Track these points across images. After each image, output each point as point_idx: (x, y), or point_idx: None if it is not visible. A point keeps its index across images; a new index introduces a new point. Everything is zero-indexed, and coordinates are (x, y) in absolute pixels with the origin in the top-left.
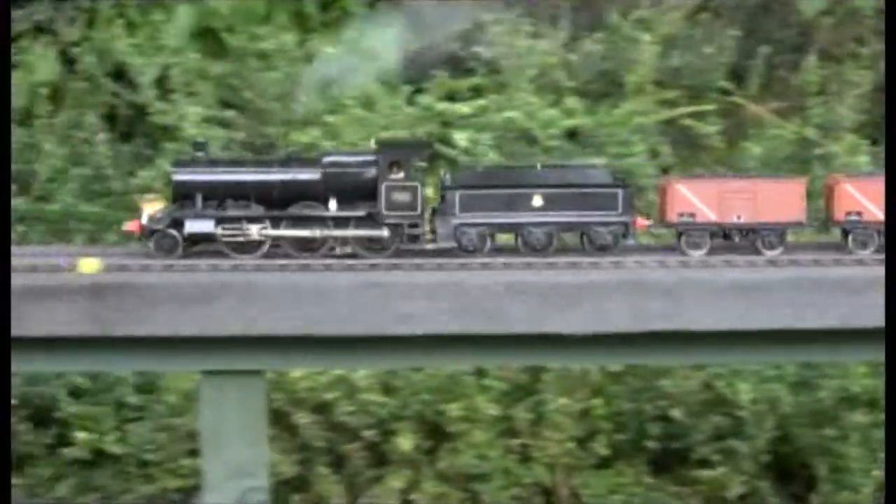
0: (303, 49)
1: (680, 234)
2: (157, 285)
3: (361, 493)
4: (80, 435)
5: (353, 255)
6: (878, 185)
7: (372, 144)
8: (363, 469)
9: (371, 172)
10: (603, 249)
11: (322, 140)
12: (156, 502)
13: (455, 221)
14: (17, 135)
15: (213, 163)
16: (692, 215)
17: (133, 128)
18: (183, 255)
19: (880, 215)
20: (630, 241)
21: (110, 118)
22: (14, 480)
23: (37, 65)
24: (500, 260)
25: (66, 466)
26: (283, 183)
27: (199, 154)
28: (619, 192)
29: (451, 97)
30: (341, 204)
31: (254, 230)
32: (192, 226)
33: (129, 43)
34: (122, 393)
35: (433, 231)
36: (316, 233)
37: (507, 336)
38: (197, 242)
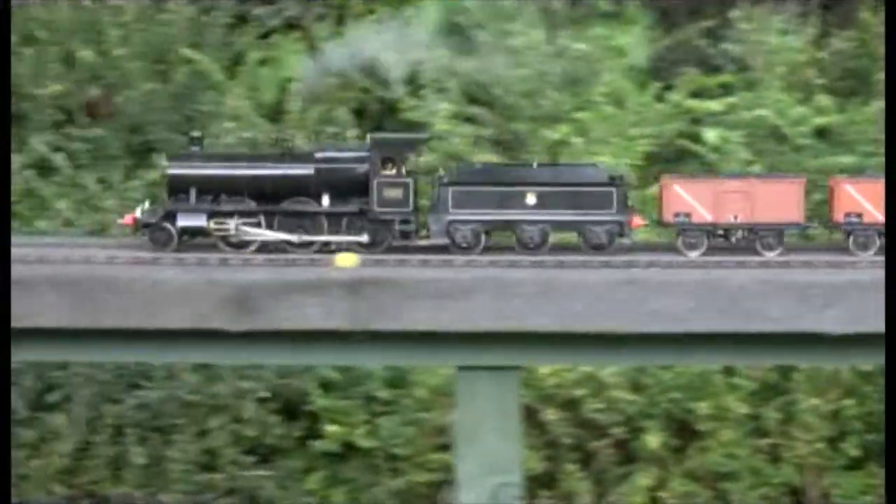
0: (552, 45)
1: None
2: (414, 281)
3: (609, 490)
4: (331, 428)
5: (346, 250)
6: (879, 187)
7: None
8: (611, 466)
9: (363, 168)
10: (598, 248)
11: (571, 136)
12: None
13: (447, 218)
14: (267, 130)
15: (208, 157)
16: (688, 215)
17: (381, 123)
18: (177, 248)
19: (880, 217)
20: (625, 240)
21: (359, 113)
22: (264, 472)
23: (287, 61)
24: (756, 259)
25: (317, 459)
26: (276, 178)
27: (195, 148)
28: (614, 190)
29: (700, 94)
30: (334, 199)
31: (237, 229)
32: (185, 219)
33: (379, 39)
34: (372, 387)
35: (426, 227)
36: (303, 236)
37: (761, 335)
38: (193, 236)
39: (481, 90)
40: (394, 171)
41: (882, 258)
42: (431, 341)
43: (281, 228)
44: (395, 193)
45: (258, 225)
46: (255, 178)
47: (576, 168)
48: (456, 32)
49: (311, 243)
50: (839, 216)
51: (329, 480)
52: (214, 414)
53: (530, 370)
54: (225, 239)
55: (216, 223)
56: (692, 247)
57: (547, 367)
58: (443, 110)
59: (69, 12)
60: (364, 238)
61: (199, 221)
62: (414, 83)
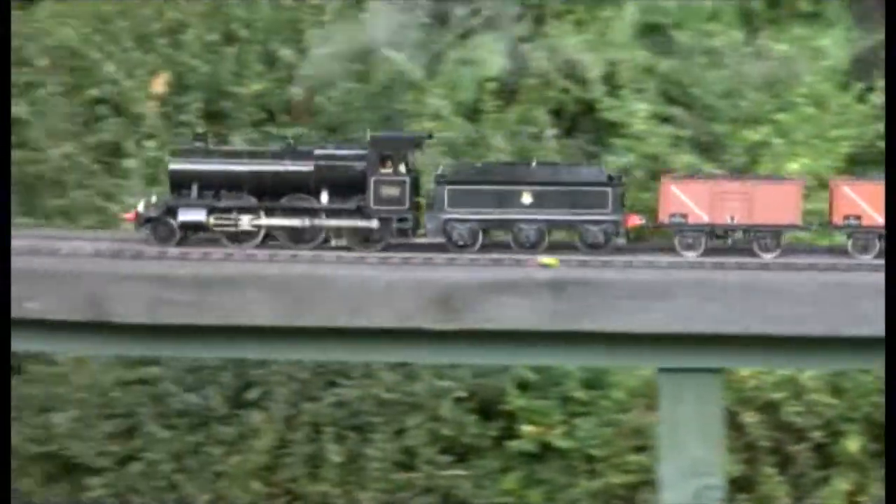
0: (750, 46)
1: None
2: (617, 282)
3: (807, 494)
4: (527, 428)
5: (346, 248)
6: (879, 189)
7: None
8: (809, 470)
9: (361, 166)
10: (594, 248)
11: (772, 138)
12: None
13: (443, 216)
14: (464, 129)
15: (210, 153)
16: (684, 216)
17: (578, 123)
18: (179, 243)
19: (880, 220)
20: (620, 240)
21: (556, 113)
22: (461, 472)
23: (486, 60)
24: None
25: (513, 459)
26: (276, 174)
27: (198, 144)
28: (609, 190)
29: None
30: (333, 197)
31: (244, 221)
32: (185, 214)
33: (578, 39)
34: (570, 388)
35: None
36: (305, 223)
37: None
38: (195, 231)
39: (680, 91)
40: (391, 170)
41: (882, 261)
42: (633, 343)
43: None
44: (392, 191)
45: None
46: (255, 173)
47: (572, 168)
48: (654, 32)
49: (310, 240)
50: (838, 218)
51: (525, 481)
52: (411, 413)
53: (728, 372)
54: (227, 234)
55: (216, 218)
56: (689, 247)
57: (746, 370)
58: (641, 111)
59: (270, 11)
60: (366, 226)
61: (200, 216)
62: (612, 83)
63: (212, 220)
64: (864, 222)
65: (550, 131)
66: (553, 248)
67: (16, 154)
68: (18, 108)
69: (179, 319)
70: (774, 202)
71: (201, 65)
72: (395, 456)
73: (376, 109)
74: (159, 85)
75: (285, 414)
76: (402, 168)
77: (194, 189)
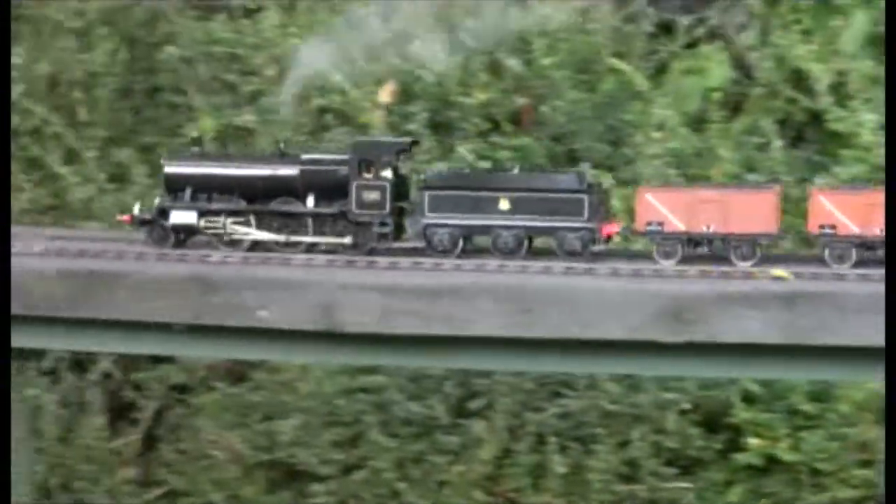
0: None
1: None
2: (853, 295)
3: None
4: (753, 441)
5: (332, 252)
6: (855, 198)
7: None
8: None
9: (345, 171)
10: (572, 255)
11: None
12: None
13: (424, 221)
14: (690, 140)
15: (203, 157)
16: (661, 224)
17: (805, 134)
18: (174, 246)
19: (855, 229)
20: (597, 247)
21: (783, 124)
22: (685, 484)
23: (711, 70)
24: None
25: (738, 472)
26: (264, 178)
27: (194, 148)
28: (585, 197)
29: None
30: (319, 201)
31: (228, 225)
32: (177, 217)
33: (805, 49)
34: (796, 401)
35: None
36: (290, 232)
37: None
38: (188, 234)
39: None
40: (371, 175)
41: (861, 271)
42: (865, 356)
43: (269, 228)
44: (373, 196)
45: (248, 224)
46: (243, 177)
47: (550, 174)
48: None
49: (297, 243)
50: (814, 227)
51: (750, 494)
52: (635, 424)
53: None
54: (218, 237)
55: (207, 221)
56: (667, 255)
57: None
58: (869, 121)
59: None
60: (347, 240)
61: (191, 219)
62: (840, 93)
63: (202, 223)
64: (839, 232)
65: (777, 142)
66: (533, 255)
67: None
68: (246, 118)
69: (408, 329)
70: (750, 211)
71: (427, 75)
72: (619, 468)
73: (601, 120)
74: (386, 94)
75: (509, 424)
76: (388, 173)
77: (187, 192)
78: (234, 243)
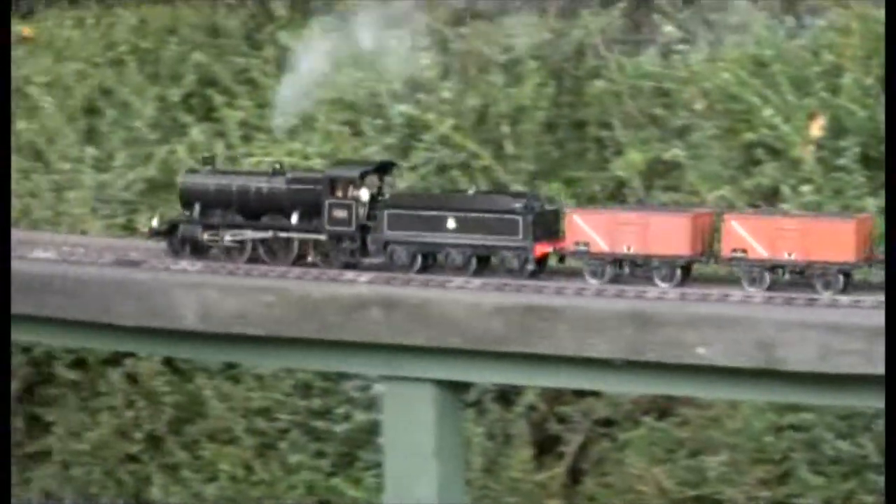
0: None
1: None
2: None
3: None
4: None
5: (314, 265)
6: (765, 223)
7: None
8: None
9: (320, 189)
10: (511, 273)
11: None
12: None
13: (383, 238)
14: None
15: (213, 173)
16: (587, 244)
17: None
18: (191, 256)
19: (765, 254)
20: (530, 266)
21: None
22: None
23: None
24: None
25: None
26: (256, 194)
27: (207, 166)
28: (520, 218)
29: None
30: (301, 218)
31: (225, 237)
32: (184, 230)
33: None
34: None
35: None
36: (279, 246)
37: None
38: (193, 245)
39: None
40: (341, 194)
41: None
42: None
43: (260, 242)
44: (341, 214)
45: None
46: (239, 193)
47: (491, 196)
48: None
49: (285, 256)
50: (727, 251)
51: None
52: None
53: None
54: (220, 249)
55: (209, 234)
56: (594, 275)
57: None
58: None
59: None
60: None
61: (195, 232)
62: None
63: (206, 236)
64: (750, 256)
65: None
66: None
67: (672, 196)
68: (675, 152)
69: (849, 368)
70: (666, 233)
71: (859, 109)
72: None
73: None
74: (816, 129)
75: None
76: (362, 193)
77: (196, 206)
78: (232, 255)
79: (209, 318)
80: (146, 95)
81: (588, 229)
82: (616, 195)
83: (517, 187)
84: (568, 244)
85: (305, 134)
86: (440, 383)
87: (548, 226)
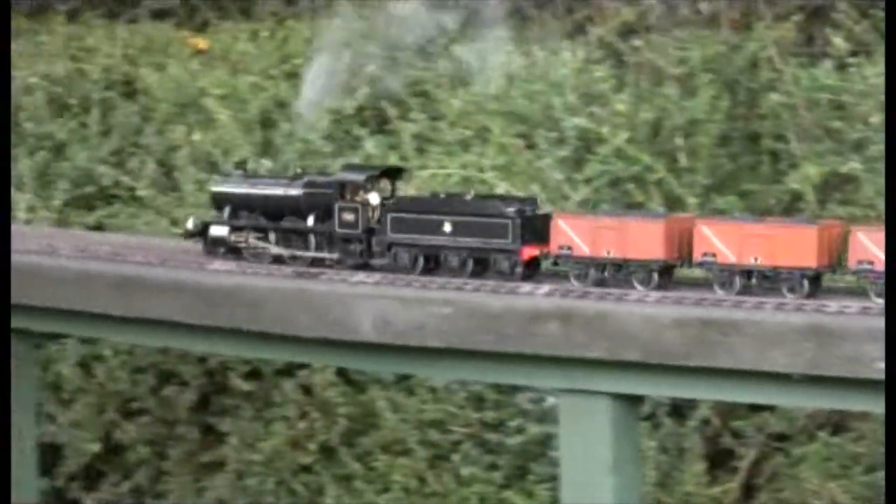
0: None
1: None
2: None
3: None
4: None
5: (330, 266)
6: (733, 228)
7: None
8: None
9: (331, 193)
10: (501, 275)
11: None
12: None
13: (387, 240)
14: None
15: (242, 178)
16: (570, 248)
17: None
18: (224, 256)
19: (732, 258)
20: (519, 269)
21: None
22: None
23: None
24: None
25: None
26: (276, 198)
27: (238, 171)
28: (510, 222)
29: None
30: (317, 220)
31: (251, 239)
32: (214, 231)
33: None
34: None
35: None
36: (297, 247)
37: None
38: (223, 246)
39: None
40: (349, 197)
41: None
42: None
43: (281, 243)
44: (349, 217)
45: (267, 239)
46: (261, 197)
47: (485, 201)
48: None
49: (302, 257)
50: (697, 256)
51: None
52: None
53: None
54: (247, 250)
55: (235, 236)
56: (577, 278)
57: None
58: None
59: None
60: (335, 255)
61: (223, 233)
62: None
63: (232, 238)
64: (720, 260)
65: None
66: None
67: (848, 210)
68: (852, 165)
69: None
70: (642, 238)
71: None
72: None
73: None
74: None
75: None
76: (372, 196)
77: (226, 209)
78: (257, 256)
79: (386, 330)
80: (320, 107)
81: (572, 233)
82: (791, 208)
83: (691, 200)
84: (553, 248)
85: (479, 146)
86: (618, 397)
87: (537, 230)
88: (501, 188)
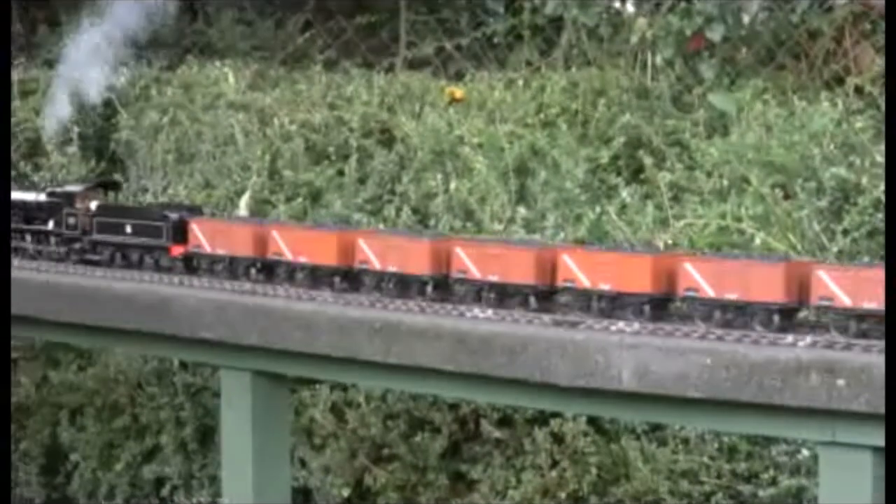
0: None
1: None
2: None
3: None
4: None
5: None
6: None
7: None
8: None
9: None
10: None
11: None
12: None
13: (94, 240)
14: None
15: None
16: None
17: None
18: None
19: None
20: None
21: None
22: None
23: None
24: None
25: None
26: (29, 205)
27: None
28: (163, 224)
29: None
30: (55, 224)
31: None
32: None
33: None
34: None
35: None
36: (41, 244)
37: None
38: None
39: None
40: (76, 205)
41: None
42: None
43: (34, 243)
44: (72, 221)
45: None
46: (20, 203)
47: (151, 208)
48: None
49: (48, 253)
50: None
51: None
52: None
53: None
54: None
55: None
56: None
57: None
58: None
59: None
60: None
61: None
62: None
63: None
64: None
65: None
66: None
67: None
68: None
69: None
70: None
71: None
72: None
73: None
74: None
75: None
76: (94, 204)
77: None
78: (18, 252)
79: (646, 379)
80: (576, 156)
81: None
82: None
83: None
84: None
85: (737, 196)
86: (880, 450)
87: (181, 233)
88: (759, 238)
